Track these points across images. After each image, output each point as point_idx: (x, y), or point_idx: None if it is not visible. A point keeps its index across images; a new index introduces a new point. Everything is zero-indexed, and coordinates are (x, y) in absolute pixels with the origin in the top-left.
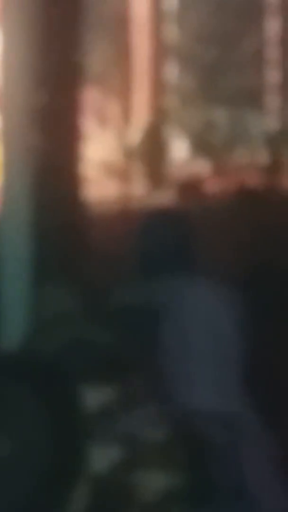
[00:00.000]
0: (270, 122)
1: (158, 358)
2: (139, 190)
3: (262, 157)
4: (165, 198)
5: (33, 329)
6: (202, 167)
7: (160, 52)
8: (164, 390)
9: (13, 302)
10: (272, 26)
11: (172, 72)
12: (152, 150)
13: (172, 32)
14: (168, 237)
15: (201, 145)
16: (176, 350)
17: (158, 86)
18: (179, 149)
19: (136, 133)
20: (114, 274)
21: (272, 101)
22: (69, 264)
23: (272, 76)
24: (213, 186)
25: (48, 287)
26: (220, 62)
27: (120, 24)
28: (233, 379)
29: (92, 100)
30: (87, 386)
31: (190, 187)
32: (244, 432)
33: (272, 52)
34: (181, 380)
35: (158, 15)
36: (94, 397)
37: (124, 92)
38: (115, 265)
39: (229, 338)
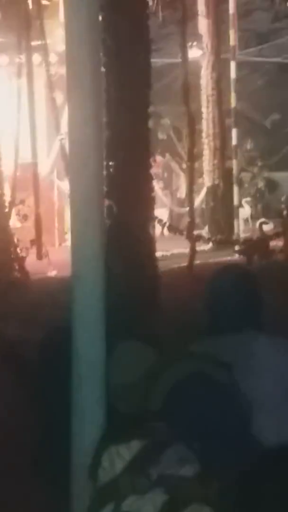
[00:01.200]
0: None
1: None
2: (207, 248)
3: None
4: (233, 256)
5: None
6: (266, 226)
7: (225, 118)
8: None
9: (89, 364)
10: None
11: (236, 137)
12: (219, 211)
13: (235, 100)
14: (236, 294)
15: (265, 205)
16: (244, 403)
17: (224, 151)
18: (244, 209)
19: (203, 194)
20: (184, 330)
21: None
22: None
23: None
24: (277, 244)
25: (122, 348)
26: (280, 127)
27: (188, 93)
28: None
29: (162, 165)
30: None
31: (255, 245)
32: None
33: None
34: (250, 430)
35: (223, 85)
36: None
37: (191, 157)
38: (185, 322)
39: None
